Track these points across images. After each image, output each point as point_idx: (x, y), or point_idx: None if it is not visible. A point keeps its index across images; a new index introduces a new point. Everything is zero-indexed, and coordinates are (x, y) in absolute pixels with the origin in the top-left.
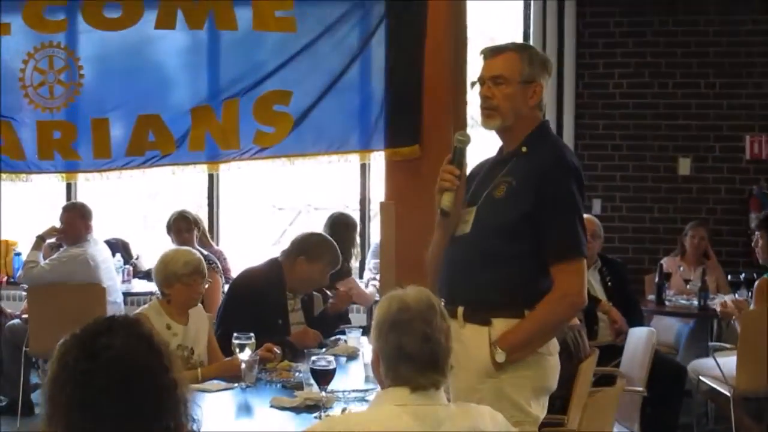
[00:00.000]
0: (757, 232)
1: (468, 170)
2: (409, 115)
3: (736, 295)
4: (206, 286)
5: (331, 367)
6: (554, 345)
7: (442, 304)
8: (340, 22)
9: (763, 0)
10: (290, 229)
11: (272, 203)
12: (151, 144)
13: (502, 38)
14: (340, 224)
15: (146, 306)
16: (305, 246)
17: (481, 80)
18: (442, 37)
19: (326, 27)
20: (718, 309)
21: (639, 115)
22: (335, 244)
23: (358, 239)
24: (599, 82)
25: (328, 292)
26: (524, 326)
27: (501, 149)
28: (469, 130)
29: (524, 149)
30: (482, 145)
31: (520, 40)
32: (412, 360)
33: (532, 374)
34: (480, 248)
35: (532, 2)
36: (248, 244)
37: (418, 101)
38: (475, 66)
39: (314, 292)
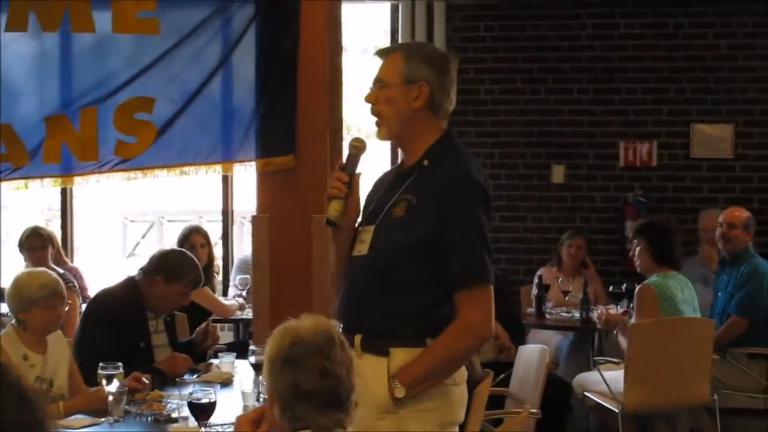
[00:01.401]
0: (634, 240)
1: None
2: (283, 122)
3: (618, 307)
4: (66, 308)
5: (210, 399)
6: (461, 374)
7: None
8: (201, 28)
9: (636, 3)
10: (143, 242)
11: (123, 215)
12: (3, 156)
13: (371, 44)
14: (185, 238)
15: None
16: (163, 265)
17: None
18: (317, 42)
19: (188, 31)
20: (597, 321)
21: (511, 122)
22: (196, 261)
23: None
24: (470, 88)
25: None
26: (426, 359)
27: (402, 162)
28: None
29: (426, 162)
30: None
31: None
32: (311, 398)
33: (436, 407)
34: (377, 272)
35: (400, 5)
36: (100, 258)
37: (293, 108)
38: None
39: (177, 312)
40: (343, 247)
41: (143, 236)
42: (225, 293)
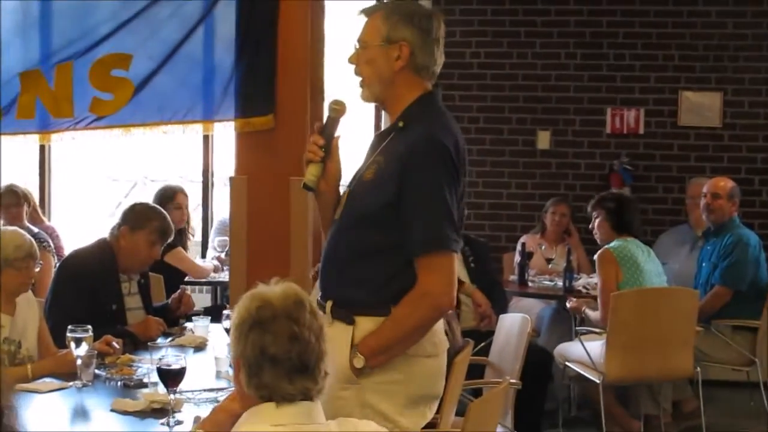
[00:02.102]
0: (593, 213)
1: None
2: (262, 82)
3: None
4: (37, 269)
5: (180, 366)
6: (434, 345)
7: (317, 299)
8: None
9: None
10: (125, 201)
11: (106, 174)
12: None
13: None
14: (167, 197)
15: None
16: (128, 215)
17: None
18: (299, 1)
19: None
20: (569, 305)
21: (497, 86)
22: (163, 211)
23: (186, 209)
24: (456, 51)
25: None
26: (383, 329)
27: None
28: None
29: (401, 124)
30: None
31: None
32: (277, 363)
33: (402, 379)
34: (345, 238)
35: None
36: (81, 217)
37: (273, 68)
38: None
39: (151, 272)
40: (327, 212)
41: (126, 196)
42: (204, 255)
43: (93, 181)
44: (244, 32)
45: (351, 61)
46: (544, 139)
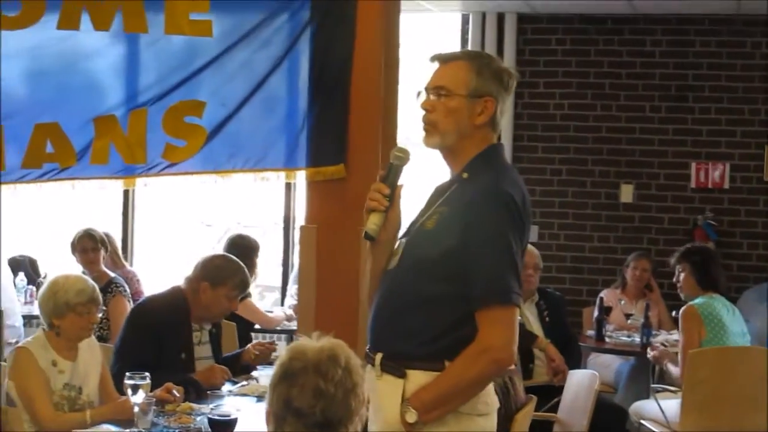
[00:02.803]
0: (677, 266)
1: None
2: (334, 131)
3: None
4: (100, 315)
5: (231, 417)
6: (485, 404)
7: (366, 351)
8: (258, 29)
9: (711, 21)
10: (218, 247)
11: (200, 220)
12: (50, 156)
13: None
14: (238, 247)
15: (29, 339)
16: (207, 270)
17: (426, 91)
18: (373, 46)
19: (243, 34)
20: (650, 354)
21: (580, 138)
22: (242, 264)
23: (258, 263)
24: (539, 102)
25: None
26: (439, 383)
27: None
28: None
29: (465, 175)
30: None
31: None
32: (300, 416)
33: None
34: (403, 287)
35: (470, 16)
36: (173, 262)
37: (345, 116)
38: (408, 82)
39: (225, 320)
40: (381, 262)
41: (218, 241)
42: (282, 302)
43: (187, 226)
44: (317, 81)
45: (425, 107)
46: (627, 193)
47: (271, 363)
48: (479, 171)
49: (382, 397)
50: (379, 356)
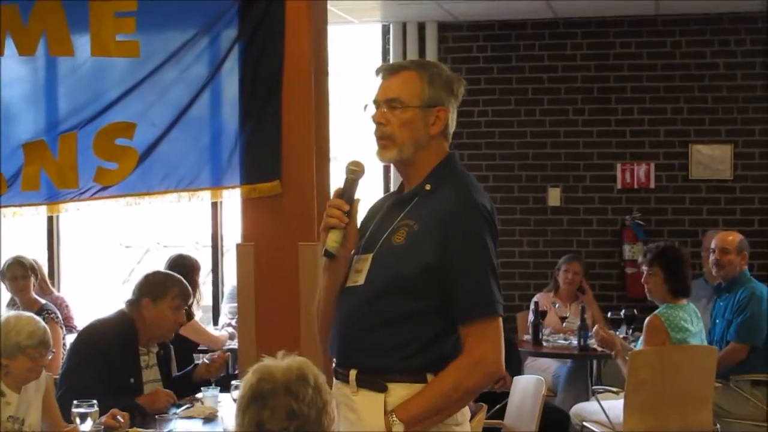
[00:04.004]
0: (646, 268)
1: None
2: (267, 147)
3: (618, 333)
4: (50, 357)
5: None
6: (463, 414)
7: (333, 366)
8: (186, 48)
9: (631, 23)
10: (138, 268)
11: (119, 241)
12: None
13: (361, 65)
14: (179, 266)
15: None
16: (146, 287)
17: (376, 103)
18: (302, 64)
19: (170, 54)
20: (596, 338)
21: (506, 144)
22: (178, 276)
23: (200, 282)
24: (463, 110)
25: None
26: (427, 395)
27: (401, 186)
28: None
29: (428, 187)
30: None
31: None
32: None
33: None
34: (374, 304)
35: (391, 26)
36: (94, 285)
37: (278, 131)
38: (335, 95)
39: (169, 344)
40: (338, 278)
41: (138, 262)
42: (216, 322)
43: (105, 248)
44: (248, 97)
45: (378, 120)
46: (554, 196)
47: (214, 383)
48: (443, 182)
49: (363, 411)
50: (353, 372)
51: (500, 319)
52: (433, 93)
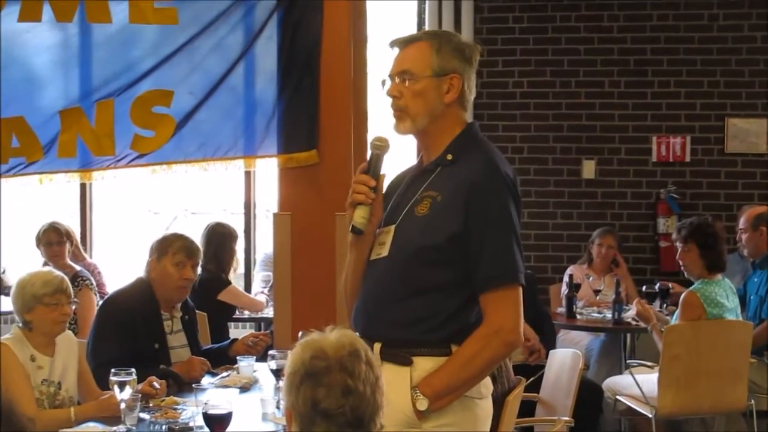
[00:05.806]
0: (681, 245)
1: (386, 181)
2: (305, 116)
3: (652, 307)
4: (73, 307)
5: (226, 411)
6: (486, 387)
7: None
8: (222, 19)
9: None
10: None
11: (147, 208)
12: (15, 150)
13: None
14: (217, 234)
15: (8, 335)
16: (152, 248)
17: (391, 77)
18: (340, 33)
19: (205, 25)
20: (634, 310)
21: (541, 115)
22: (183, 233)
23: (237, 250)
24: (498, 81)
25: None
26: (450, 368)
27: (421, 158)
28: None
29: (450, 157)
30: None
31: None
32: (330, 418)
33: (458, 421)
34: (399, 275)
35: None
36: (124, 252)
37: (315, 101)
38: (376, 65)
39: (198, 311)
40: (365, 253)
41: (166, 229)
42: (248, 289)
43: (134, 215)
44: (286, 66)
45: (392, 94)
46: (589, 169)
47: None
48: (464, 152)
49: (388, 385)
50: (377, 345)
51: (520, 289)
52: (443, 61)
